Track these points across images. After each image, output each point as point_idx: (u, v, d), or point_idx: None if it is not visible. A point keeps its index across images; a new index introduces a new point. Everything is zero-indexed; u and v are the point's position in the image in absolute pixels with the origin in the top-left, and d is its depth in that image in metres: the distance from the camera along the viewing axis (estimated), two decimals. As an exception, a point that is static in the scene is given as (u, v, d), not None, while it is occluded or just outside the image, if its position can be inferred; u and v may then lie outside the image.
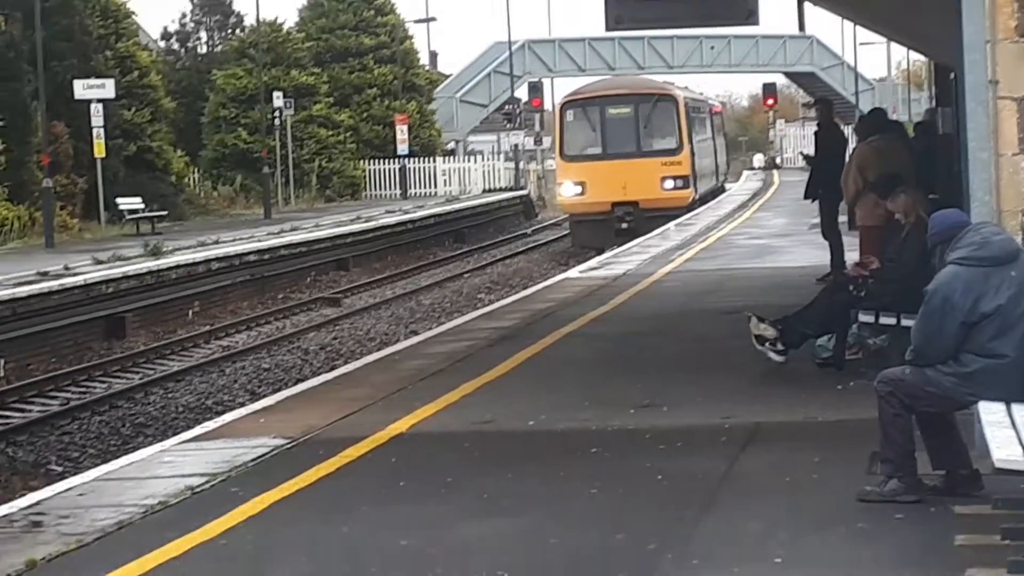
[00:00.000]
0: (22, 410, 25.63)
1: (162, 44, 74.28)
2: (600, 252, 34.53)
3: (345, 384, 18.91)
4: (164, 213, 52.90)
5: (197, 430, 16.78)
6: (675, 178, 39.97)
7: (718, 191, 60.48)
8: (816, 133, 27.56)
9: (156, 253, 37.14)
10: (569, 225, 42.45)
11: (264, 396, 21.54)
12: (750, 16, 26.00)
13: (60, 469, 19.27)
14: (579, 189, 40.73)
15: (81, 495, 12.75)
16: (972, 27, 13.43)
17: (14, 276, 33.12)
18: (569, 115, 42.15)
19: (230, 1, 75.58)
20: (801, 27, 42.40)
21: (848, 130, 28.76)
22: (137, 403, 26.63)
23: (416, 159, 74.79)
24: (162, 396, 27.35)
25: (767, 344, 17.41)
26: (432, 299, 39.63)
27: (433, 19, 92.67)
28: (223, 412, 20.43)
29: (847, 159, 21.89)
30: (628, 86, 46.41)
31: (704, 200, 48.54)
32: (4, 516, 12.04)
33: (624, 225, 38.35)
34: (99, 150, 51.73)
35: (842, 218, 24.89)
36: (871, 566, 8.93)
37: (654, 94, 43.08)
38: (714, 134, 61.93)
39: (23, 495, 14.34)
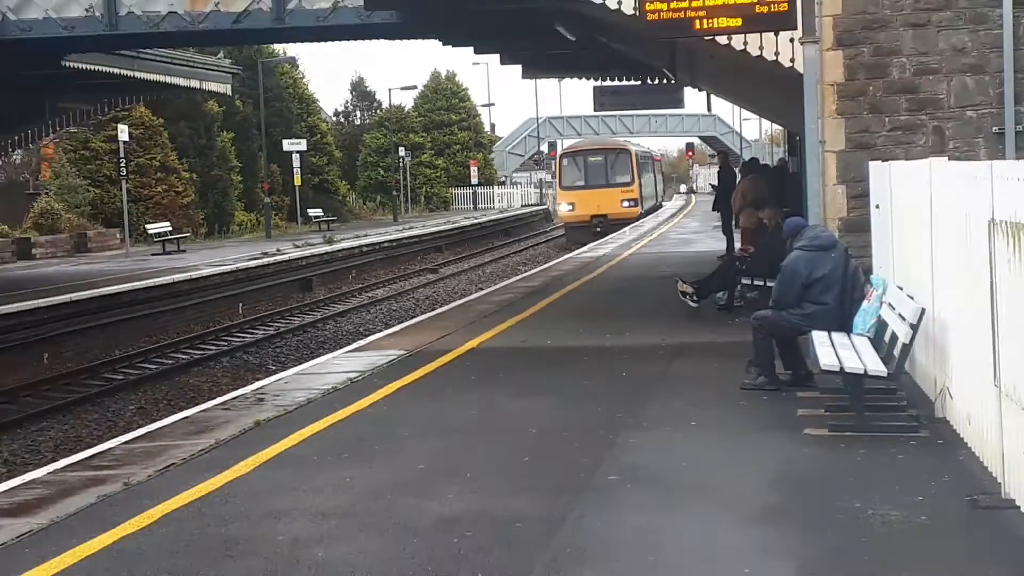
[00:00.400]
0: (252, 333, 31.55)
1: (333, 118, 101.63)
2: (584, 244, 44.26)
3: (440, 320, 23.15)
4: (335, 219, 71.21)
5: (354, 345, 20.83)
6: (628, 200, 52.57)
7: (657, 207, 72.86)
8: (718, 172, 37.38)
9: (330, 242, 50.77)
10: (564, 229, 53.81)
11: (393, 326, 25.30)
12: (678, 102, 42.40)
13: (274, 368, 23.19)
14: (570, 207, 53.64)
15: (286, 383, 16.14)
16: (810, 110, 15.76)
17: (247, 254, 44.13)
18: (565, 161, 56.10)
19: (374, 92, 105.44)
20: (708, 108, 61.37)
21: (736, 170, 34.50)
22: (319, 330, 33.41)
23: (482, 187, 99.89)
24: (333, 326, 34.25)
25: (687, 297, 21.35)
26: (491, 269, 49.52)
27: (492, 104, 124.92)
28: (369, 335, 24.43)
29: (735, 187, 27.42)
30: (601, 143, 63.01)
31: (647, 213, 60.24)
32: (240, 395, 15.42)
33: (598, 229, 49.35)
34: (297, 181, 71.98)
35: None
36: (749, 426, 12.00)
37: (616, 148, 57.09)
38: (655, 173, 76.81)
39: (251, 383, 17.54)
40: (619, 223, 50.58)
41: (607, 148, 57.18)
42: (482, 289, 32.92)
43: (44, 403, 21.79)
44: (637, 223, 54.57)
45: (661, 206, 79.24)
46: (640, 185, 56.08)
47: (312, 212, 71.70)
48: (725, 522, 8.75)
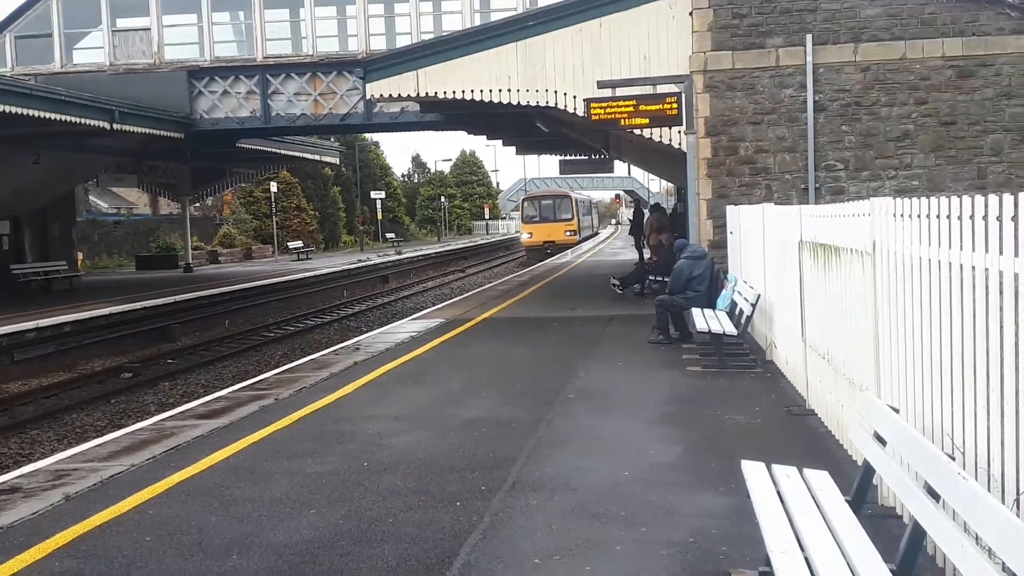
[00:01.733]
0: (351, 308, 30.86)
1: (401, 178, 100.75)
2: (540, 261, 40.30)
3: (465, 301, 22.52)
4: (402, 239, 71.18)
5: (413, 316, 20.19)
6: (569, 231, 48.16)
7: (594, 235, 69.03)
8: (632, 212, 35.09)
9: (399, 253, 52.82)
10: (525, 251, 49.43)
11: (437, 304, 24.43)
12: (610, 168, 41.69)
13: (365, 329, 22.34)
14: (529, 235, 48.51)
15: (373, 339, 15.90)
16: (691, 174, 16.26)
17: (348, 261, 45.19)
18: (526, 204, 51.03)
19: (425, 162, 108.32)
20: (628, 172, 63.92)
21: (644, 210, 33.85)
22: (391, 307, 31.56)
23: (491, 220, 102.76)
24: (400, 304, 32.11)
25: (615, 287, 21.10)
26: (497, 269, 48.28)
27: (497, 170, 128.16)
28: (422, 309, 23.03)
29: (644, 220, 27.16)
30: (551, 192, 57.22)
31: (585, 239, 55.99)
32: (344, 346, 15.28)
33: (548, 251, 45.27)
34: (379, 216, 72.45)
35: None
36: (652, 364, 12.01)
37: (561, 195, 52.40)
38: (592, 212, 73.02)
39: (351, 339, 17.15)
40: (563, 247, 47.02)
41: (555, 195, 53.32)
42: (491, 282, 31.78)
43: (226, 351, 21.92)
44: (580, 244, 52.93)
45: (597, 233, 75.62)
46: (579, 220, 52.26)
47: (388, 235, 73.25)
48: (638, 422, 8.80)
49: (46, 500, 6.86)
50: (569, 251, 50.76)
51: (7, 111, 20.45)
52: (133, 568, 5.45)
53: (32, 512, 6.57)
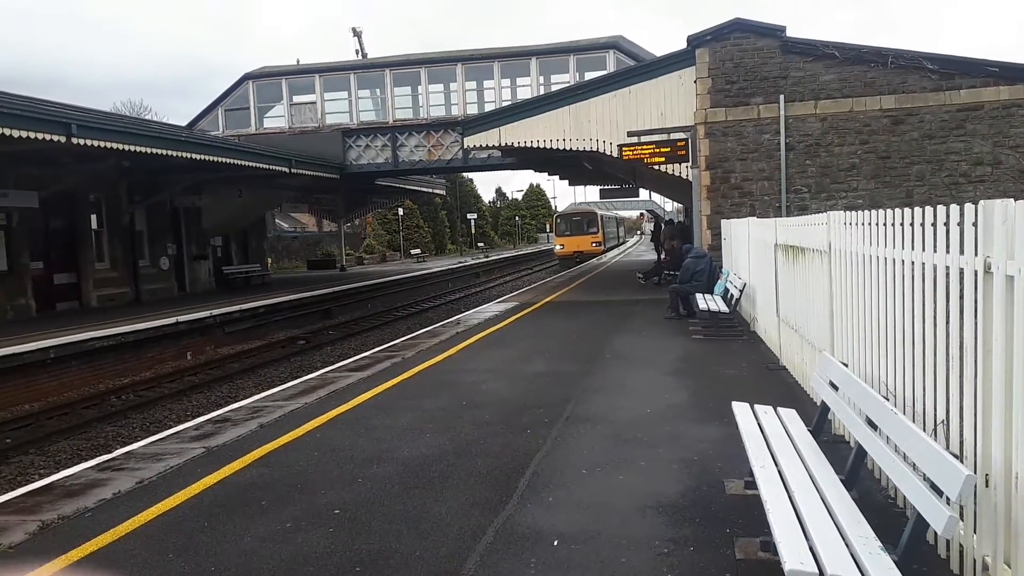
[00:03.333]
0: (453, 295, 30.61)
1: (488, 203, 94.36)
2: (570, 269, 33.39)
3: (533, 290, 22.20)
4: (489, 247, 70.71)
5: (497, 300, 20.06)
6: (596, 243, 41.47)
7: (620, 244, 60.66)
8: (654, 225, 31.84)
9: (487, 257, 51.45)
10: (558, 260, 42.54)
11: (513, 292, 23.84)
12: (637, 194, 33.15)
13: (463, 310, 22.44)
14: (561, 247, 41.49)
15: (468, 317, 15.73)
16: (696, 197, 15.85)
17: (452, 263, 47.25)
18: (558, 220, 43.62)
19: (505, 193, 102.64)
20: (650, 196, 52.22)
21: (662, 224, 32.11)
22: (482, 294, 31.15)
23: (551, 233, 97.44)
24: (488, 292, 31.82)
25: (640, 279, 20.81)
26: (554, 267, 44.19)
27: (556, 196, 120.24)
28: (503, 296, 23.45)
29: (662, 232, 24.78)
30: (580, 209, 47.17)
31: (610, 249, 48.82)
32: (449, 322, 15.06)
33: (577, 260, 38.36)
34: (473, 230, 71.36)
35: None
36: (667, 333, 11.78)
37: (588, 212, 44.08)
38: (618, 227, 62.86)
39: (454, 316, 16.97)
40: (590, 255, 39.88)
41: (582, 212, 44.54)
42: (550, 277, 30.64)
43: (369, 325, 22.17)
44: (611, 252, 48.79)
45: (624, 242, 66.61)
46: (604, 233, 44.49)
47: (479, 244, 72.84)
48: (657, 374, 8.66)
49: (246, 427, 7.01)
50: (615, 250, 49.86)
51: (223, 161, 20.99)
52: (306, 473, 5.55)
53: (237, 435, 6.73)
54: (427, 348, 11.43)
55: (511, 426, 6.59)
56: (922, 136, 15.60)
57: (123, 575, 3.97)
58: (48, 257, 20.91)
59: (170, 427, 8.69)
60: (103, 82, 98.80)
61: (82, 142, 15.61)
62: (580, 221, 42.64)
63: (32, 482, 6.39)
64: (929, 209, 3.75)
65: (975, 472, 3.11)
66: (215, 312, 18.67)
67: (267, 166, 23.18)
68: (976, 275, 3.22)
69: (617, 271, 28.85)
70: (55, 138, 15.00)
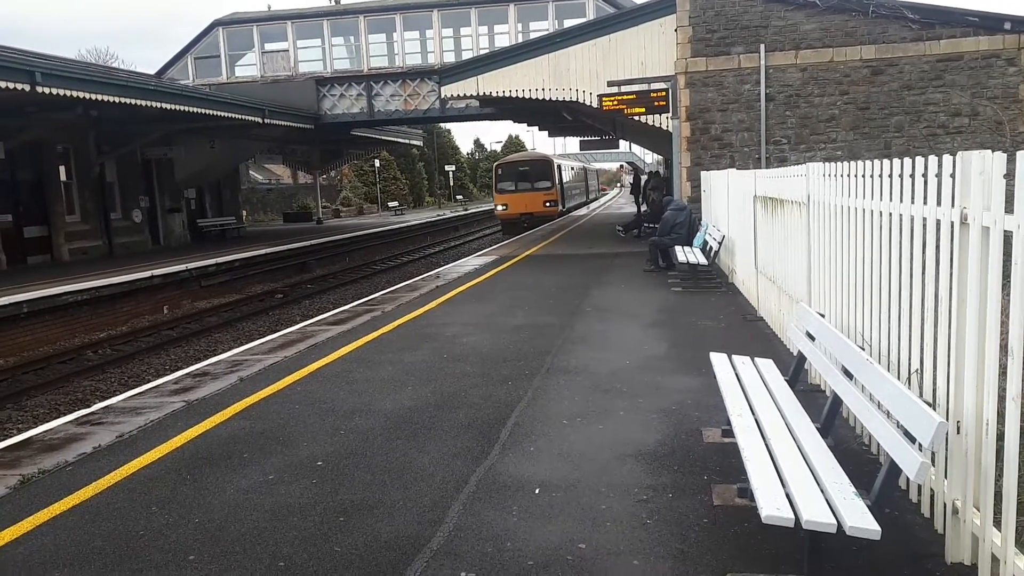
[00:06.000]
0: (432, 249, 30.57)
1: (467, 155, 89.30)
2: (516, 235, 25.47)
3: (514, 243, 22.23)
4: (468, 199, 68.86)
5: (477, 253, 20.12)
6: (549, 201, 30.26)
7: (588, 202, 47.43)
8: (633, 177, 30.78)
9: (466, 209, 50.66)
10: (501, 224, 31.75)
11: (493, 245, 24.00)
12: (617, 146, 35.64)
13: (442, 264, 22.45)
14: (504, 207, 30.29)
15: (448, 270, 15.78)
16: (675, 148, 15.83)
17: (431, 215, 46.33)
18: (500, 171, 31.18)
19: (484, 144, 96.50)
20: (630, 148, 50.98)
21: (641, 176, 30.50)
22: (461, 247, 31.15)
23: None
24: (467, 245, 31.28)
25: (619, 232, 20.84)
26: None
27: (534, 148, 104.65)
28: (483, 250, 23.36)
29: (642, 183, 24.98)
30: (529, 156, 34.28)
31: (573, 209, 37.76)
32: (429, 275, 15.17)
33: (525, 224, 28.73)
34: (451, 183, 69.63)
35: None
36: (646, 285, 11.84)
37: (540, 159, 32.08)
38: (586, 180, 47.35)
39: (434, 270, 17.32)
40: (543, 219, 29.78)
41: (532, 159, 32.40)
42: (530, 231, 30.10)
43: (347, 278, 22.06)
44: (595, 203, 44.88)
45: (594, 200, 52.26)
46: (560, 188, 32.49)
47: (458, 197, 72.10)
48: (636, 326, 8.72)
49: (226, 381, 6.99)
50: (584, 208, 42.85)
51: (193, 111, 20.52)
52: (287, 425, 5.57)
53: (218, 389, 6.72)
54: (407, 302, 11.40)
55: (492, 378, 6.63)
56: (901, 87, 15.59)
57: (107, 529, 3.98)
58: (17, 210, 20.47)
59: (149, 381, 8.64)
60: (65, 30, 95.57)
61: (47, 91, 15.17)
62: (528, 172, 31.01)
63: (10, 437, 6.36)
64: (908, 160, 3.76)
65: (947, 419, 3.19)
66: (191, 266, 18.44)
67: (239, 116, 22.70)
68: (952, 226, 3.25)
69: (598, 224, 28.76)
70: (19, 86, 14.56)
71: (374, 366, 7.31)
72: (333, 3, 29.49)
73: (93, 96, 16.66)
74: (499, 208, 30.90)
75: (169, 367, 11.65)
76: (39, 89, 14.89)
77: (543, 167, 31.15)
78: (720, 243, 11.71)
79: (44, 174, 21.37)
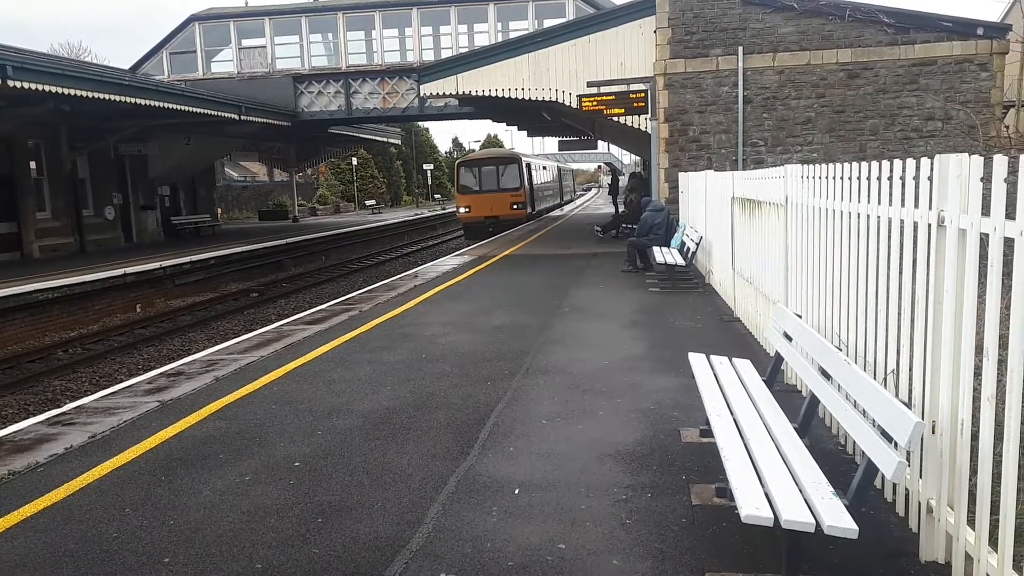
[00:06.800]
0: (410, 248, 30.31)
1: (444, 154, 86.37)
2: (480, 240, 23.34)
3: (492, 243, 22.13)
4: (445, 199, 66.91)
5: (455, 253, 20.15)
6: (517, 203, 27.28)
7: (562, 204, 43.80)
8: (612, 178, 31.88)
9: (443, 208, 50.33)
10: (463, 228, 28.85)
11: (463, 248, 23.06)
12: (595, 146, 34.75)
13: (420, 263, 22.27)
14: (467, 209, 27.27)
15: (426, 270, 15.69)
16: (654, 149, 15.89)
17: (409, 214, 45.03)
18: (462, 170, 27.87)
19: (462, 143, 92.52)
20: (608, 149, 49.79)
21: (619, 177, 31.19)
22: (439, 247, 30.74)
23: None
24: (445, 245, 31.20)
25: (598, 232, 20.81)
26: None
27: (512, 148, 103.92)
28: (460, 248, 23.12)
29: (619, 185, 25.90)
30: (495, 154, 31.01)
31: (544, 212, 34.55)
32: (407, 275, 14.99)
33: (490, 228, 26.28)
34: (429, 182, 69.03)
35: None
36: (624, 286, 11.83)
37: (508, 157, 28.74)
38: (559, 180, 43.43)
39: (412, 269, 17.31)
40: (509, 223, 26.89)
41: (498, 157, 29.03)
42: (509, 231, 28.32)
43: (323, 277, 21.94)
44: (577, 201, 44.66)
45: (568, 202, 48.44)
46: (529, 190, 29.28)
47: (436, 196, 71.87)
48: (614, 327, 8.73)
49: (201, 381, 6.92)
50: (564, 207, 42.22)
51: (168, 107, 20.28)
52: (264, 426, 5.51)
53: (192, 389, 6.65)
54: (385, 301, 11.34)
55: (471, 378, 6.62)
56: (876, 90, 15.80)
57: (80, 531, 3.92)
58: (-15, 206, 20.11)
59: (121, 381, 8.55)
60: (37, 22, 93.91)
61: (18, 84, 14.92)
62: (493, 171, 28.01)
63: (-22, 438, 6.27)
64: (886, 163, 3.80)
65: (923, 419, 3.23)
66: (164, 263, 18.24)
67: (215, 112, 22.49)
68: (929, 228, 3.29)
69: (576, 224, 28.72)
70: (-12, 80, 14.30)
71: (352, 366, 7.27)
72: (311, -1, 29.31)
73: (66, 91, 16.41)
74: (461, 210, 27.87)
75: (142, 367, 11.51)
76: (10, 83, 14.65)
77: (510, 166, 28.06)
78: (698, 244, 11.79)
79: (14, 170, 21.01)
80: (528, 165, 30.07)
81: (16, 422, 7.06)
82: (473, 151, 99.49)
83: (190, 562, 3.53)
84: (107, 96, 17.76)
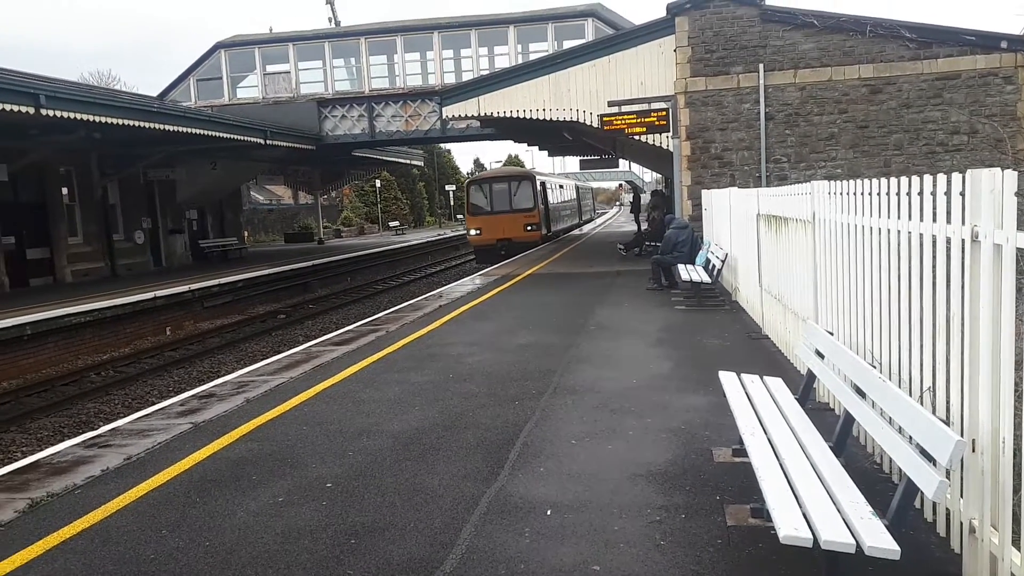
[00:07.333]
0: (433, 268, 30.54)
1: (467, 175, 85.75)
2: (493, 263, 22.42)
3: (516, 262, 22.09)
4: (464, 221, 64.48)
5: (479, 272, 20.11)
6: (530, 224, 25.89)
7: (581, 224, 42.09)
8: (633, 196, 31.71)
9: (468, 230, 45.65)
10: (474, 251, 27.70)
11: (486, 268, 22.67)
12: (617, 165, 34.08)
13: (443, 283, 22.34)
14: (477, 231, 26.04)
15: (450, 290, 15.84)
16: (676, 167, 15.86)
17: (432, 235, 46.69)
18: (472, 189, 26.84)
19: (484, 164, 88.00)
20: (629, 167, 47.90)
21: (641, 195, 30.96)
22: (462, 266, 30.73)
23: None
24: (469, 264, 30.84)
25: (621, 250, 20.59)
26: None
27: (533, 167, 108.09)
28: (479, 271, 22.69)
29: (642, 203, 25.59)
30: (506, 172, 30.18)
31: (558, 235, 32.18)
32: (431, 295, 15.13)
33: (502, 252, 24.86)
34: (451, 202, 66.66)
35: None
36: (649, 304, 11.79)
37: (520, 175, 27.67)
38: (578, 199, 41.66)
39: (436, 289, 17.32)
40: (523, 246, 25.34)
41: (509, 175, 27.76)
42: (531, 250, 27.52)
43: (349, 298, 22.10)
44: (598, 220, 44.06)
45: (588, 221, 47.44)
46: (543, 210, 27.57)
47: (459, 216, 71.83)
48: (641, 345, 8.70)
49: (233, 403, 6.97)
50: (584, 227, 41.48)
51: (195, 132, 20.62)
52: (295, 447, 5.54)
53: (224, 411, 6.70)
54: (411, 321, 11.40)
55: (499, 398, 6.61)
56: (900, 105, 15.69)
57: (118, 552, 3.95)
58: (20, 232, 20.52)
59: (153, 403, 8.64)
60: (68, 50, 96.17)
61: (51, 113, 15.26)
62: (505, 191, 26.48)
63: (16, 460, 6.36)
64: (915, 178, 3.77)
65: (963, 437, 3.18)
66: (193, 287, 18.47)
67: (241, 137, 22.83)
68: (963, 244, 3.25)
69: (598, 242, 28.59)
70: (23, 109, 14.65)
71: (380, 386, 7.29)
72: (334, 25, 29.75)
73: (96, 118, 16.76)
74: (472, 233, 26.48)
75: (173, 389, 11.63)
76: (43, 112, 14.99)
77: (523, 185, 26.55)
78: (723, 261, 11.73)
79: (47, 196, 21.44)
80: (543, 184, 28.88)
81: (52, 444, 7.17)
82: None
83: (227, 584, 3.55)
84: (136, 123, 18.11)
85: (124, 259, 24.19)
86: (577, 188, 42.76)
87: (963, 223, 3.26)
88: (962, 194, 3.27)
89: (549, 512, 4.13)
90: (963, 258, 3.26)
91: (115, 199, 24.37)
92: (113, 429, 6.36)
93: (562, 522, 3.99)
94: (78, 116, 16.18)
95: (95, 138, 19.38)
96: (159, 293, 17.10)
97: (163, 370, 13.30)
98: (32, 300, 16.29)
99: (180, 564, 3.77)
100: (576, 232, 36.74)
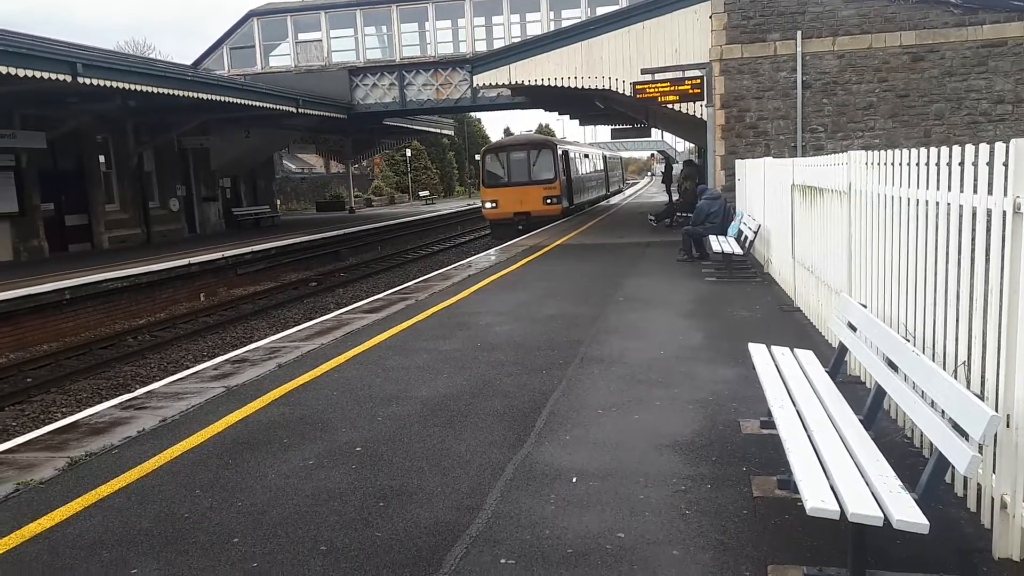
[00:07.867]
0: (462, 238, 30.27)
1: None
2: (510, 239, 20.52)
3: (545, 232, 21.80)
4: None
5: (508, 242, 19.53)
6: (551, 197, 23.75)
7: (608, 196, 39.66)
8: (665, 166, 31.59)
9: None
10: (490, 225, 25.19)
11: (515, 238, 21.93)
12: (648, 134, 33.92)
13: (472, 253, 21.98)
14: (493, 204, 23.93)
15: (478, 260, 15.83)
16: (710, 136, 15.67)
17: (461, 205, 46.70)
18: (488, 158, 24.44)
19: (514, 134, 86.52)
20: (662, 136, 44.92)
21: (672, 164, 30.38)
22: (484, 238, 29.76)
23: None
24: (488, 238, 30.50)
25: (651, 221, 20.49)
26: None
27: (564, 137, 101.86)
28: (508, 240, 21.17)
29: (674, 173, 25.23)
30: (525, 140, 26.01)
31: (583, 207, 29.89)
32: (460, 264, 15.15)
33: (520, 227, 23.11)
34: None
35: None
36: (680, 275, 11.69)
37: (540, 143, 25.09)
38: (606, 169, 38.81)
39: (466, 259, 17.27)
40: (542, 220, 23.34)
41: (527, 143, 24.92)
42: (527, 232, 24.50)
43: (380, 267, 22.21)
44: (630, 190, 43.75)
45: (617, 192, 45.26)
46: (565, 182, 24.86)
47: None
48: (671, 316, 8.64)
49: (265, 368, 7.07)
50: (612, 198, 40.01)
51: (228, 101, 20.74)
52: (326, 412, 5.61)
53: (256, 375, 6.80)
54: (440, 290, 11.44)
55: (526, 367, 6.63)
56: (942, 73, 15.26)
57: (154, 511, 4.06)
58: (59, 199, 20.90)
59: (188, 367, 8.80)
60: (104, 23, 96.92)
61: (88, 81, 15.43)
62: (524, 160, 24.15)
63: (56, 420, 6.54)
64: (956, 148, 3.67)
65: (997, 412, 3.12)
66: (227, 253, 18.70)
67: (274, 106, 22.92)
68: (1005, 216, 3.16)
69: (629, 213, 28.34)
70: (61, 77, 14.83)
71: (409, 354, 7.35)
72: (365, -8, 29.55)
73: (132, 86, 16.92)
74: (487, 206, 24.27)
75: (207, 354, 11.83)
76: (80, 80, 15.16)
77: (543, 153, 24.20)
78: (755, 232, 11.58)
79: (84, 163, 21.78)
80: (565, 153, 26.18)
81: (91, 405, 7.35)
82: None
83: (257, 543, 3.63)
84: (171, 91, 18.26)
85: (159, 226, 24.55)
86: (605, 158, 40.23)
87: (1004, 194, 3.17)
88: (1005, 164, 3.17)
89: (575, 479, 4.15)
90: (1004, 230, 3.17)
91: (151, 167, 24.68)
92: (149, 392, 6.50)
93: (587, 490, 4.01)
94: (114, 84, 16.35)
95: (131, 106, 19.59)
96: (194, 260, 17.35)
97: (197, 335, 13.54)
98: (71, 265, 16.64)
99: (213, 523, 3.86)
100: (603, 204, 36.12)
